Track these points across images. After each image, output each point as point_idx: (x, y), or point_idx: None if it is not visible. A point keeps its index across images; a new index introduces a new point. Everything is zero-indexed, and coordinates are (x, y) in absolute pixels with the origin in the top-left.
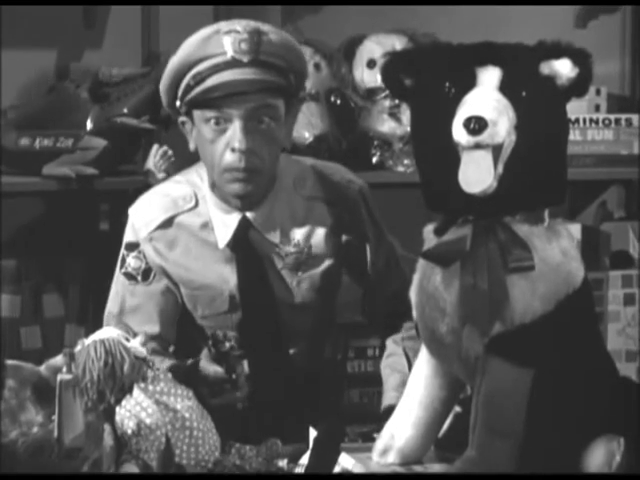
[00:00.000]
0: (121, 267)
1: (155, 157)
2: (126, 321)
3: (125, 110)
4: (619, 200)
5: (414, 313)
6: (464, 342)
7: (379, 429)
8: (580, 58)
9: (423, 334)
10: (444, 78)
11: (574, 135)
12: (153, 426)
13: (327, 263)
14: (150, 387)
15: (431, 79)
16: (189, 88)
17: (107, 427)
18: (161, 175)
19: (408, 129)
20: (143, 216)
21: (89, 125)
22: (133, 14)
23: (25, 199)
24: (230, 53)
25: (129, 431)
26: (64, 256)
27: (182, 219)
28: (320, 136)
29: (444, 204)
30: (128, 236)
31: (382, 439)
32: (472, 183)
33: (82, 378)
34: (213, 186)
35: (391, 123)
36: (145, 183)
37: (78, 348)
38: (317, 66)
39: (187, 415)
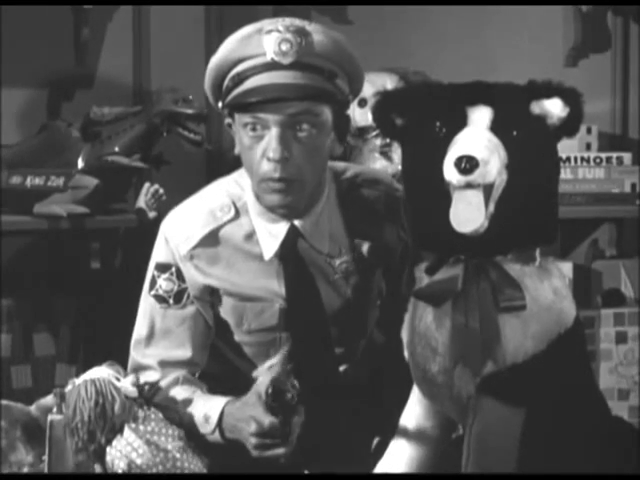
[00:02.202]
0: (151, 289)
1: (146, 196)
2: (156, 345)
3: (116, 149)
4: (610, 238)
5: (405, 353)
6: (456, 382)
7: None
8: (571, 97)
9: (415, 373)
10: (435, 117)
11: (565, 173)
12: (144, 466)
13: (376, 273)
14: (141, 427)
15: (422, 118)
16: (228, 90)
17: (97, 467)
18: (152, 214)
19: (399, 168)
20: (180, 232)
21: (80, 164)
22: (124, 52)
23: (16, 238)
24: (269, 54)
25: (120, 471)
26: (55, 295)
27: (223, 232)
28: None
29: (435, 243)
30: (159, 256)
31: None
32: (463, 222)
33: (73, 418)
34: (258, 194)
35: (382, 162)
36: (136, 222)
37: (69, 388)
38: None
39: (178, 455)
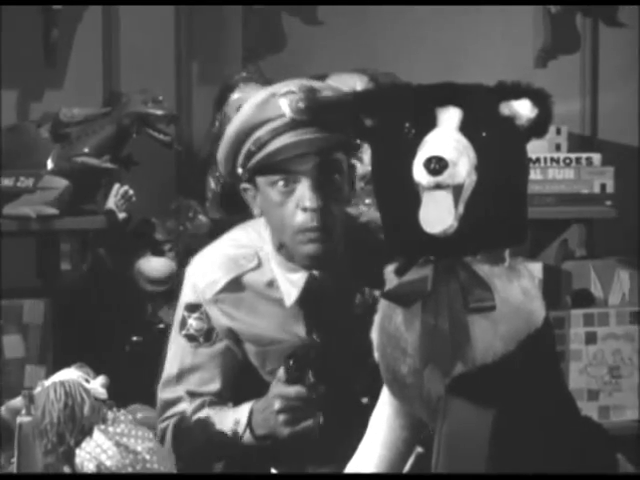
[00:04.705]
0: (181, 329)
1: (116, 197)
2: (187, 381)
3: (86, 150)
4: (580, 239)
5: (375, 354)
6: (425, 383)
7: (341, 469)
8: (540, 98)
9: (385, 375)
10: (404, 118)
11: (535, 174)
12: (113, 468)
13: None
14: (110, 429)
15: (391, 119)
16: (251, 154)
17: (67, 469)
18: (122, 215)
19: (369, 168)
20: (205, 277)
21: (50, 165)
22: (94, 53)
23: None
24: (289, 114)
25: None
26: (24, 297)
27: (246, 278)
28: None
29: (405, 244)
30: (189, 297)
31: None
32: (433, 223)
33: (41, 420)
34: (280, 247)
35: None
36: (106, 223)
37: (38, 390)
38: None
39: (148, 457)
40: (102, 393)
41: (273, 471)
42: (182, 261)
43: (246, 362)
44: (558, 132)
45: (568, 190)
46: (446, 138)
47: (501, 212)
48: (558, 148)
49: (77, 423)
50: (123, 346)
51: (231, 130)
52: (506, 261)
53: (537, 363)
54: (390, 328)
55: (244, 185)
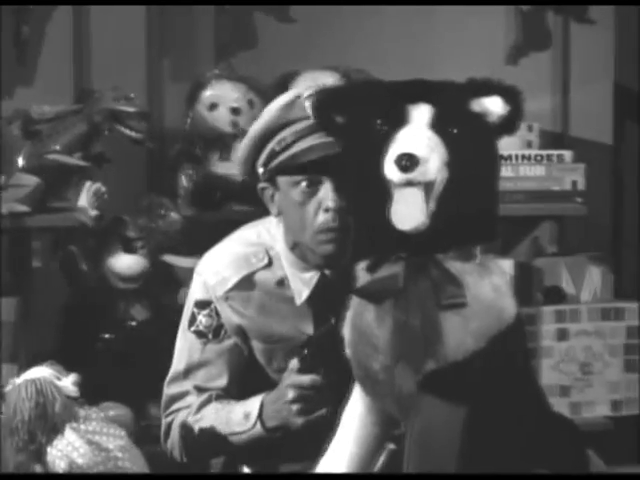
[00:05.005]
0: (190, 325)
1: (88, 194)
2: (194, 377)
3: (57, 147)
4: (551, 236)
5: (347, 351)
6: (397, 379)
7: (313, 467)
8: (510, 95)
9: (356, 371)
10: (375, 115)
11: (506, 171)
12: (85, 466)
13: None
14: (82, 427)
15: (362, 116)
16: (274, 154)
17: (38, 467)
18: (94, 212)
19: None
20: (216, 275)
21: (20, 162)
22: (64, 51)
23: None
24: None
25: (61, 471)
26: None
27: (257, 277)
28: None
29: (376, 241)
30: (198, 294)
31: None
32: (404, 220)
33: (13, 418)
34: (294, 246)
35: None
36: (78, 221)
37: (9, 388)
38: (251, 103)
39: (120, 455)
40: (73, 391)
41: (246, 470)
42: (154, 258)
43: (252, 359)
44: (529, 129)
45: (539, 187)
46: (417, 135)
47: (472, 209)
48: (529, 145)
49: (48, 421)
50: (95, 344)
51: (255, 130)
52: (477, 258)
53: (508, 359)
54: (362, 325)
55: (262, 184)
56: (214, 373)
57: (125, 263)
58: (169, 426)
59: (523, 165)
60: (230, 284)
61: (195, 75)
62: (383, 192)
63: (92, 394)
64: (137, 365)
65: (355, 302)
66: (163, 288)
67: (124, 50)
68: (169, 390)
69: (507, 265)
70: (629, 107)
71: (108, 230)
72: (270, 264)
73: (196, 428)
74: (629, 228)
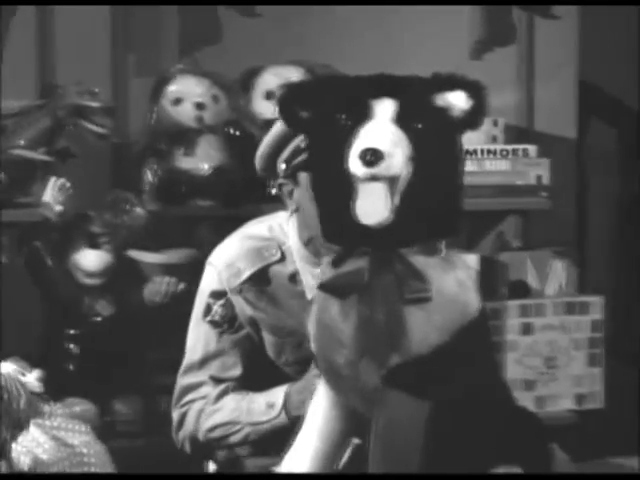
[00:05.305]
0: (206, 315)
1: (53, 189)
2: (208, 367)
3: (21, 142)
4: (516, 230)
5: (312, 345)
6: (361, 374)
7: (278, 462)
8: (474, 90)
9: (321, 366)
10: (340, 110)
11: (471, 166)
12: (50, 462)
13: None
14: (47, 422)
15: (327, 111)
16: (299, 150)
17: (2, 464)
18: (58, 207)
19: None
20: (230, 267)
21: None
22: (28, 45)
23: None
24: None
25: (25, 467)
26: None
27: (270, 270)
28: (218, 168)
29: (341, 236)
30: (213, 284)
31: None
32: (368, 215)
33: None
34: (308, 242)
35: None
36: (42, 216)
37: None
38: (215, 98)
39: (85, 450)
40: (38, 387)
41: (211, 466)
42: (118, 254)
43: (263, 351)
44: (495, 124)
45: (504, 181)
46: (381, 130)
47: (436, 204)
48: (494, 140)
49: (13, 417)
50: (59, 339)
51: (280, 127)
52: (442, 252)
53: (472, 353)
54: (326, 319)
55: (282, 180)
56: (229, 363)
57: (90, 258)
58: (183, 417)
59: (488, 160)
60: (244, 276)
61: (159, 70)
62: (347, 187)
63: (57, 390)
64: (102, 361)
65: (320, 297)
66: (128, 283)
67: (88, 45)
68: (183, 380)
69: (472, 259)
70: (593, 102)
71: (73, 225)
72: (283, 259)
73: (210, 423)
74: (593, 222)
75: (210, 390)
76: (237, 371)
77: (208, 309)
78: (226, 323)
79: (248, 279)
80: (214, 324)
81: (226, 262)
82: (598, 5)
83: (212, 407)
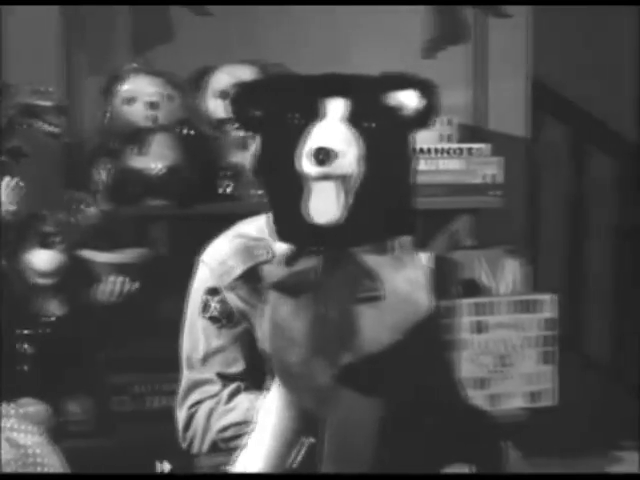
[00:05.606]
0: (204, 312)
1: (6, 189)
2: (212, 362)
3: None
4: (469, 229)
5: (265, 344)
6: (313, 372)
7: (231, 461)
8: (426, 89)
9: (274, 365)
10: (292, 109)
11: (424, 165)
12: (3, 462)
13: None
14: (1, 424)
15: (279, 110)
16: None
17: None
18: (12, 207)
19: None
20: (222, 265)
21: None
22: None
23: None
24: None
25: None
26: None
27: (261, 269)
28: (171, 167)
29: (293, 235)
30: (208, 281)
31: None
32: (320, 214)
33: None
34: None
35: (241, 154)
36: None
37: None
38: (168, 97)
39: (38, 451)
40: None
41: (167, 466)
42: (71, 253)
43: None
44: (447, 123)
45: (457, 180)
46: (333, 129)
47: (388, 202)
48: (448, 139)
49: None
50: (11, 340)
51: None
52: (394, 251)
53: (425, 352)
54: (278, 318)
55: None
56: (231, 358)
57: (42, 258)
58: (191, 417)
59: (441, 158)
60: (236, 274)
61: (112, 69)
62: (300, 186)
63: (9, 391)
64: (54, 361)
65: (272, 296)
66: (80, 283)
67: (40, 44)
68: (187, 379)
69: (424, 258)
70: (545, 101)
71: (25, 225)
72: (273, 258)
73: (222, 422)
74: (546, 221)
75: (218, 388)
76: (240, 366)
77: (206, 306)
78: (225, 318)
79: (240, 277)
80: (213, 320)
81: (218, 260)
82: (550, 5)
83: (225, 407)
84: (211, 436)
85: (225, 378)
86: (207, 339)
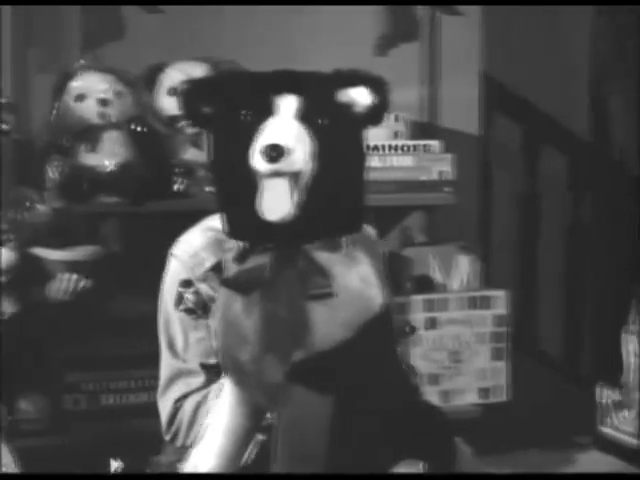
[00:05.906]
0: (179, 304)
1: None
2: (194, 353)
3: None
4: (420, 225)
5: (215, 341)
6: (265, 370)
7: (183, 459)
8: (376, 86)
9: (225, 363)
10: (242, 106)
11: (375, 161)
12: None
13: None
14: None
15: (229, 107)
16: None
17: None
18: None
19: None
20: (193, 256)
21: None
22: None
23: None
24: None
25: None
26: None
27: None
28: (122, 164)
29: (244, 231)
30: (180, 274)
31: (186, 469)
32: (270, 211)
33: None
34: None
35: (194, 151)
36: None
37: None
38: (119, 94)
39: None
40: None
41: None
42: (22, 251)
43: None
44: (397, 119)
45: (408, 177)
46: (284, 126)
47: (339, 199)
48: (397, 135)
49: None
50: None
51: None
52: (344, 248)
53: (376, 349)
54: (230, 316)
55: None
56: (209, 349)
57: None
58: (176, 412)
59: (392, 155)
60: (206, 266)
61: (62, 66)
62: (251, 183)
63: None
64: (6, 359)
65: (223, 293)
66: (32, 281)
67: None
68: (167, 372)
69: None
70: (496, 98)
71: None
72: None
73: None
74: (497, 217)
75: (202, 380)
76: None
77: (180, 298)
78: (200, 309)
79: (211, 269)
80: (188, 311)
81: (189, 252)
82: (502, 5)
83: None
84: (197, 430)
85: (208, 368)
86: (185, 331)
